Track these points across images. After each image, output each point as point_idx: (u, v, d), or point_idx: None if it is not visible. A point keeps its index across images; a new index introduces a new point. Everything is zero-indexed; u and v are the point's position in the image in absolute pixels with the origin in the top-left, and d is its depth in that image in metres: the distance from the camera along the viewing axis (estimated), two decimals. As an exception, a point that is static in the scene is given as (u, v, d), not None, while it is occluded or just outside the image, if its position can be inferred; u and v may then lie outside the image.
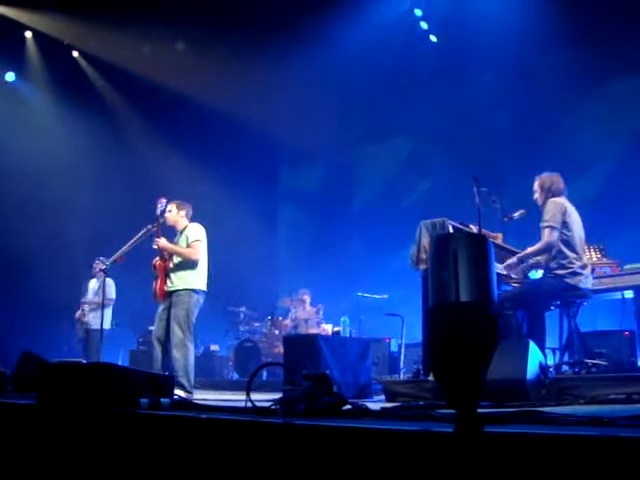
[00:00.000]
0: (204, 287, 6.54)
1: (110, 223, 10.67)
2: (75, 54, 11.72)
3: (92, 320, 9.35)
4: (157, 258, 6.56)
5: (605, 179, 9.94)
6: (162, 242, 6.47)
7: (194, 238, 6.50)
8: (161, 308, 6.46)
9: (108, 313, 9.52)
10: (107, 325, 9.51)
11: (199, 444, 2.59)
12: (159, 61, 11.22)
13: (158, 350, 6.35)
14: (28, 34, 11.15)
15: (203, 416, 2.76)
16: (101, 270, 6.81)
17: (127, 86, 11.73)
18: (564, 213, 5.53)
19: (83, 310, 9.39)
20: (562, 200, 5.65)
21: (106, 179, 11.54)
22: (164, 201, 6.67)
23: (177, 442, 2.68)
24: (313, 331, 10.02)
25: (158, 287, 6.45)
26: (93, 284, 9.64)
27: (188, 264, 6.44)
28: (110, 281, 9.43)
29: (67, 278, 10.50)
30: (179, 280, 6.41)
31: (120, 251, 6.89)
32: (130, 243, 6.82)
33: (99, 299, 9.11)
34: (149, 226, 6.70)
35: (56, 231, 10.81)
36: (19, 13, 10.68)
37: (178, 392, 5.92)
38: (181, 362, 6.15)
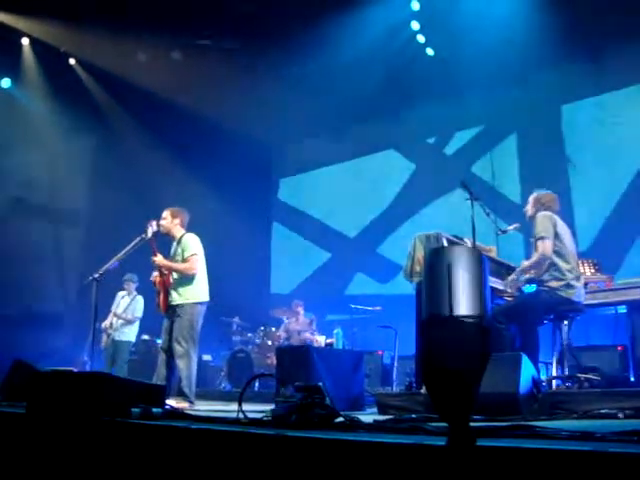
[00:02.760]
0: (206, 298, 6.59)
1: (104, 231, 10.64)
2: (72, 61, 11.72)
3: (121, 332, 9.61)
4: (156, 274, 6.56)
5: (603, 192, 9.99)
6: (159, 260, 6.48)
7: (191, 252, 6.50)
8: (166, 321, 6.48)
9: (135, 326, 9.80)
10: (133, 337, 9.79)
11: (190, 454, 2.58)
12: (156, 69, 11.23)
13: (162, 360, 6.37)
14: (25, 41, 11.14)
15: (194, 426, 2.75)
16: (94, 279, 6.77)
17: (124, 94, 11.72)
18: (555, 225, 5.57)
19: (112, 322, 9.57)
20: (552, 214, 5.68)
21: (101, 186, 11.52)
22: (154, 223, 6.66)
23: (168, 452, 2.66)
24: (306, 342, 9.99)
25: (161, 301, 6.47)
26: (125, 298, 9.81)
27: (187, 279, 6.48)
28: (140, 299, 9.74)
29: (58, 286, 10.46)
30: (180, 295, 6.45)
31: (113, 260, 6.87)
32: (123, 252, 6.80)
33: (129, 316, 9.64)
34: (143, 235, 6.68)
35: (49, 238, 10.78)
36: (16, 19, 10.66)
37: (181, 401, 5.96)
38: (185, 372, 6.20)
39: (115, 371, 9.06)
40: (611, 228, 9.65)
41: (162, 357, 6.40)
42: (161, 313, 6.56)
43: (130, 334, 9.69)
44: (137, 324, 9.78)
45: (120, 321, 9.62)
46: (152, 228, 6.62)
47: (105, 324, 9.57)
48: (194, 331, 6.34)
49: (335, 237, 13.47)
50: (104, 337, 9.57)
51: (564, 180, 10.19)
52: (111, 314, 9.66)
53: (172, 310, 6.43)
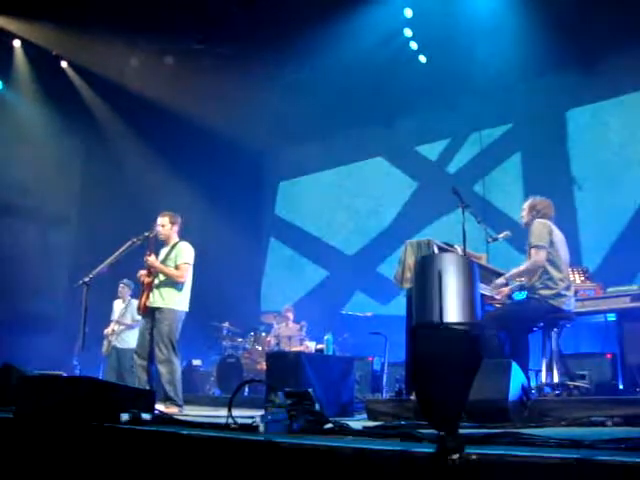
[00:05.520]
0: (186, 308, 6.59)
1: (95, 234, 10.61)
2: (64, 64, 11.69)
3: (122, 340, 9.60)
4: (143, 272, 6.55)
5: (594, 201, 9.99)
6: (152, 260, 6.47)
7: (184, 261, 6.51)
8: (143, 323, 6.48)
9: (136, 332, 9.64)
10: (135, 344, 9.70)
11: (179, 460, 2.57)
12: (149, 74, 11.22)
13: (138, 364, 6.34)
14: (16, 43, 11.11)
15: (184, 432, 2.74)
16: (84, 282, 6.74)
17: (115, 98, 11.70)
18: (550, 233, 5.57)
19: (113, 329, 9.56)
20: (548, 221, 5.69)
21: (92, 190, 11.49)
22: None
23: (157, 457, 2.65)
24: (296, 348, 9.98)
25: (142, 302, 6.46)
26: (119, 305, 9.87)
27: (173, 284, 6.47)
28: (136, 302, 9.59)
29: (48, 289, 10.41)
30: (162, 298, 6.43)
31: (104, 264, 6.84)
32: (114, 256, 6.77)
33: (128, 320, 9.62)
34: (134, 239, 6.67)
35: (39, 241, 10.73)
36: (8, 22, 10.63)
37: (170, 407, 5.94)
38: (167, 377, 6.19)
39: (123, 380, 9.01)
40: (618, 249, 9.45)
41: (138, 362, 6.37)
42: (139, 314, 6.56)
43: (132, 341, 9.65)
44: (137, 331, 9.71)
45: (121, 327, 9.61)
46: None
47: (107, 331, 9.59)
48: (173, 336, 6.32)
49: (322, 235, 13.38)
50: (105, 343, 9.58)
51: (569, 200, 10.09)
52: (112, 322, 9.67)
53: (150, 313, 6.41)
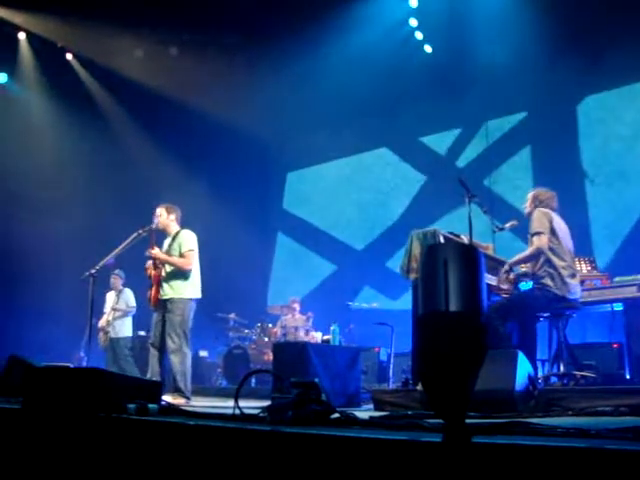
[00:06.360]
0: (198, 295, 6.61)
1: (100, 226, 10.63)
2: (69, 57, 11.69)
3: (114, 329, 9.60)
4: (150, 263, 6.56)
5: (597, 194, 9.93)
6: (156, 252, 6.49)
7: (188, 248, 6.52)
8: (156, 315, 6.48)
9: (129, 321, 9.82)
10: (129, 332, 9.79)
11: (186, 450, 2.58)
12: (153, 65, 11.22)
13: (153, 356, 6.37)
14: (21, 35, 11.13)
15: (191, 422, 2.74)
16: (90, 274, 6.75)
17: (120, 89, 11.71)
18: (551, 221, 5.57)
19: (108, 320, 9.59)
20: (549, 210, 5.68)
21: (97, 182, 11.50)
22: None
23: (164, 448, 2.66)
24: (302, 338, 9.99)
25: (152, 295, 6.46)
26: (112, 296, 9.87)
27: (181, 273, 6.47)
28: (129, 290, 9.79)
29: (56, 281, 10.44)
30: (172, 289, 6.44)
31: (110, 255, 6.85)
32: (120, 247, 6.78)
33: (123, 306, 9.66)
34: (140, 230, 6.68)
35: (44, 232, 10.76)
36: (12, 14, 10.65)
37: (177, 398, 5.96)
38: (179, 368, 6.21)
39: (121, 369, 9.04)
40: (630, 243, 9.29)
41: (153, 353, 6.40)
42: (151, 308, 6.57)
43: (125, 329, 9.69)
44: (130, 319, 9.76)
45: (118, 313, 9.62)
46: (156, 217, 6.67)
47: (101, 323, 9.59)
48: (186, 327, 6.35)
49: (329, 225, 13.32)
50: (101, 335, 9.58)
51: (581, 194, 9.97)
52: (105, 314, 9.68)
53: (162, 305, 6.42)
